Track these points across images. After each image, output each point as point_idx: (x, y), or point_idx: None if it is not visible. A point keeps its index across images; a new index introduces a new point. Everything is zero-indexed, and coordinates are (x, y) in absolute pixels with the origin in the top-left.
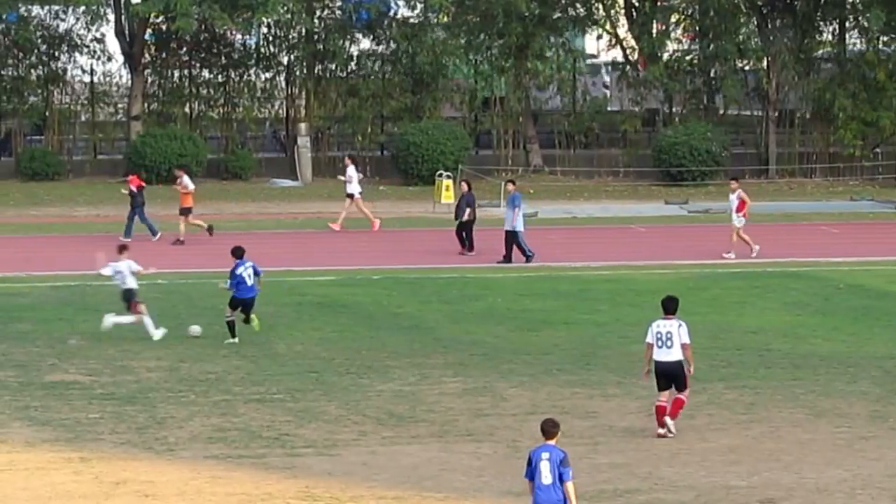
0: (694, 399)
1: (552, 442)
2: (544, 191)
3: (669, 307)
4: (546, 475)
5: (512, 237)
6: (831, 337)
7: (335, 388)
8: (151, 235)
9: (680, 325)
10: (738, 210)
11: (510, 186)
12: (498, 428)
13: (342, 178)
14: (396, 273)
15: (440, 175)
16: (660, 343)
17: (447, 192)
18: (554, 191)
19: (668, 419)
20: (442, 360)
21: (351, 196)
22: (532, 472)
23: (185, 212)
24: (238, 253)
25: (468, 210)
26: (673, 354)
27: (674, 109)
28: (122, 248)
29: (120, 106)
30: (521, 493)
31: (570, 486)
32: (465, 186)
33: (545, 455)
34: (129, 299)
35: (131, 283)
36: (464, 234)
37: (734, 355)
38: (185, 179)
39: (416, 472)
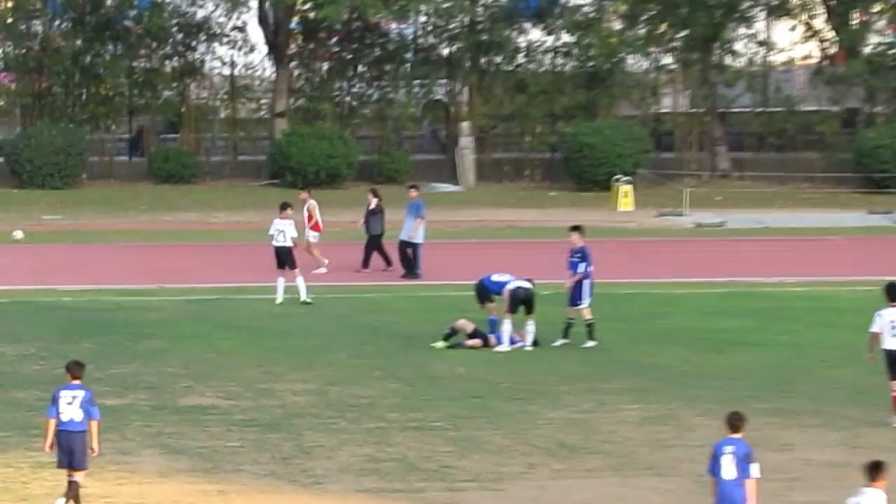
0: None
1: (738, 436)
2: (732, 198)
3: (894, 293)
4: (729, 470)
5: (409, 247)
6: None
7: (501, 415)
8: None
9: None
10: (310, 224)
11: (413, 192)
12: (682, 461)
13: None
14: None
15: (617, 180)
16: (894, 332)
17: (626, 198)
18: (743, 198)
19: None
20: (619, 384)
21: None
22: (714, 466)
23: None
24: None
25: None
26: None
27: (876, 109)
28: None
29: (263, 102)
30: None
31: (751, 483)
32: (372, 196)
33: (728, 449)
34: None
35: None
36: (376, 249)
37: None
38: None
39: None
